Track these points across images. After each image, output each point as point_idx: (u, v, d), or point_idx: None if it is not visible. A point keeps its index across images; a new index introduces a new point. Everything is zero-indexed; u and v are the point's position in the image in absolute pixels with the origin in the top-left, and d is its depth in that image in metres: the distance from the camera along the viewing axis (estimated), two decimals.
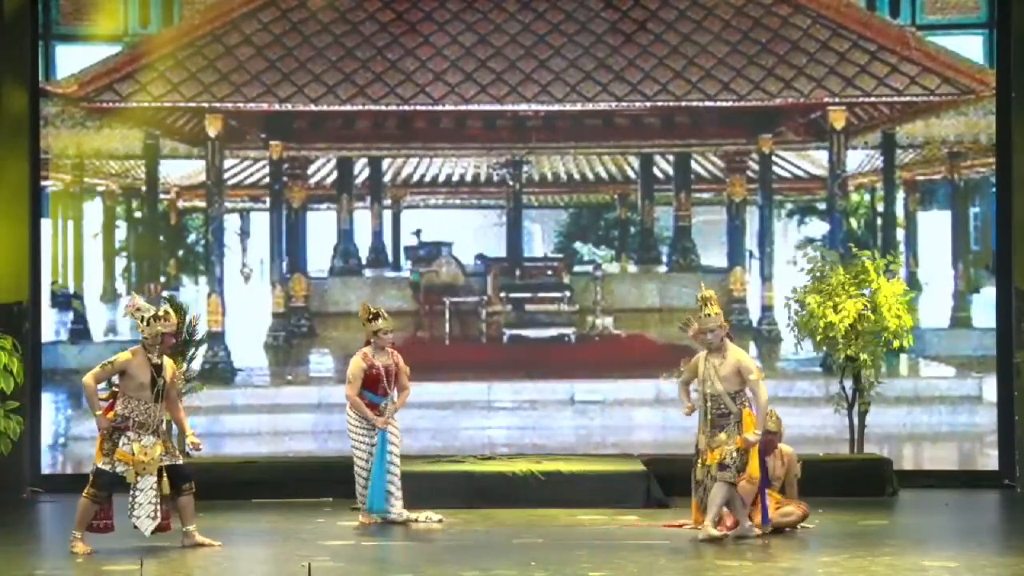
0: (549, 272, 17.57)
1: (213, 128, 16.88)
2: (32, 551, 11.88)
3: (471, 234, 17.77)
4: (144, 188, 17.20)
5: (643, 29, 16.96)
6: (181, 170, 17.28)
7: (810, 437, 16.24)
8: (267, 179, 17.26)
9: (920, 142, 16.95)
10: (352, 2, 17.03)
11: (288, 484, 14.99)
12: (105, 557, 11.11)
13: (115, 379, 11.55)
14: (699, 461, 11.96)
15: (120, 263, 17.31)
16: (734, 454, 11.79)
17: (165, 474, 11.42)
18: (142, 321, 11.52)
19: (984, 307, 16.65)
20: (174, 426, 12.10)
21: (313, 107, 16.84)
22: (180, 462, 11.62)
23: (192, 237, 17.50)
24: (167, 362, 11.64)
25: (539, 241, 18.16)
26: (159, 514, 11.40)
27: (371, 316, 13.03)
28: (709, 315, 11.92)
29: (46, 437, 16.32)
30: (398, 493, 13.04)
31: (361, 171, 17.50)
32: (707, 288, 12.16)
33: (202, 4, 16.97)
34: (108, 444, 11.35)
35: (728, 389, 11.86)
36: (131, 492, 11.37)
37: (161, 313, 11.55)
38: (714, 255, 17.35)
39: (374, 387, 12.98)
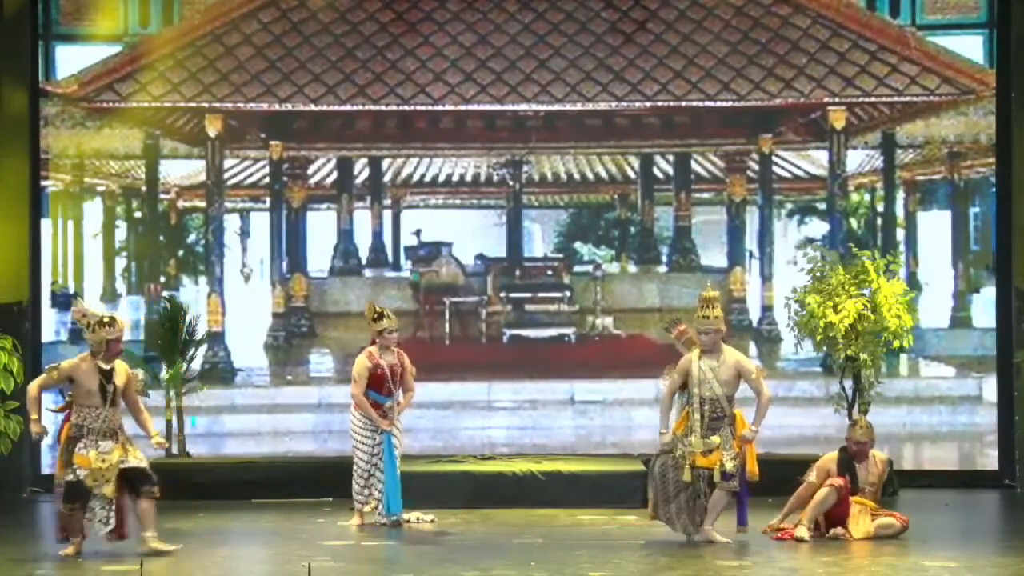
0: (549, 272, 17.57)
1: (213, 128, 16.88)
2: (32, 551, 11.87)
3: (471, 234, 17.76)
4: (144, 188, 17.20)
5: (643, 29, 16.96)
6: (181, 170, 17.29)
7: (810, 437, 16.25)
8: (267, 179, 17.26)
9: (920, 142, 16.95)
10: (352, 2, 17.03)
11: (288, 484, 14.99)
12: (105, 558, 11.11)
13: (67, 388, 11.43)
14: (685, 463, 11.86)
15: (120, 263, 17.31)
16: (734, 461, 11.77)
17: (120, 478, 11.20)
18: (87, 327, 11.38)
19: (984, 307, 16.65)
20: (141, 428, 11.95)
21: (313, 107, 16.85)
22: (143, 465, 11.34)
23: (192, 237, 17.50)
24: (119, 366, 11.43)
25: (539, 241, 18.16)
26: (111, 520, 11.19)
27: (376, 315, 13.03)
28: (706, 317, 11.89)
29: (46, 437, 16.26)
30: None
31: (361, 171, 17.50)
32: (712, 289, 12.13)
33: (202, 4, 16.98)
34: (66, 455, 11.24)
35: (727, 392, 11.84)
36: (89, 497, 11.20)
37: (107, 319, 11.41)
38: (714, 255, 17.35)
39: (379, 387, 12.97)
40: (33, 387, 11.45)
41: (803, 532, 12.05)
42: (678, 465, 11.86)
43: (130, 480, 11.27)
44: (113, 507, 11.20)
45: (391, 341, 13.03)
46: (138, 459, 11.35)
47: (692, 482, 11.81)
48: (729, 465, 11.72)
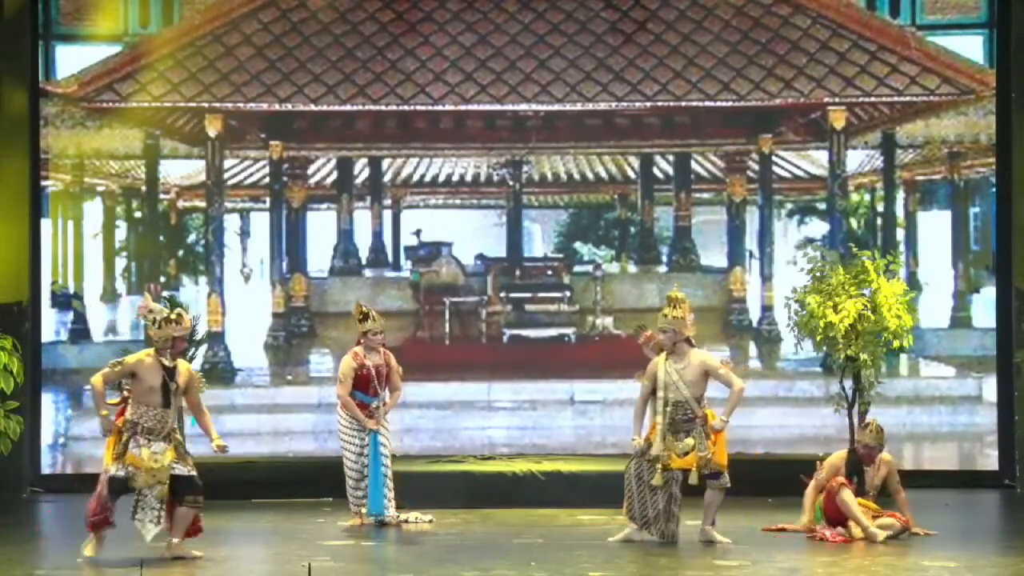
0: (549, 272, 17.56)
1: (213, 128, 16.87)
2: (32, 551, 11.88)
3: (471, 234, 17.76)
4: (144, 188, 17.20)
5: (643, 29, 16.96)
6: (181, 170, 17.28)
7: (810, 437, 16.26)
8: (267, 179, 17.26)
9: (920, 142, 16.95)
10: (352, 2, 17.03)
11: (288, 484, 15.01)
12: (105, 559, 11.08)
13: (125, 383, 11.12)
14: (658, 467, 11.83)
15: (120, 263, 17.31)
16: (718, 460, 11.78)
17: (172, 484, 10.99)
18: (153, 324, 11.12)
19: (984, 307, 16.65)
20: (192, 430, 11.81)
21: (313, 107, 16.84)
22: (193, 473, 11.12)
23: (192, 237, 17.50)
24: (181, 365, 11.17)
25: (539, 241, 18.16)
26: (163, 520, 10.99)
27: (362, 316, 13.07)
28: (666, 316, 11.91)
29: (46, 437, 16.31)
30: (390, 495, 13.05)
31: (361, 171, 17.49)
32: (678, 290, 12.11)
33: (202, 4, 16.97)
34: (119, 447, 10.95)
35: (695, 394, 11.83)
36: (136, 496, 10.97)
37: (174, 316, 11.15)
38: (714, 255, 17.35)
39: (365, 387, 13.00)
40: (97, 381, 11.01)
41: (878, 533, 11.98)
42: (652, 469, 11.86)
43: (176, 486, 11.01)
44: (164, 508, 10.97)
45: (376, 342, 13.05)
46: (189, 467, 11.12)
47: (665, 485, 11.79)
48: (713, 463, 11.73)
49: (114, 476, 10.95)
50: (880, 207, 17.23)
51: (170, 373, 11.07)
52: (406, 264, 17.47)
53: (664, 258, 17.45)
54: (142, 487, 10.97)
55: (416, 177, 17.56)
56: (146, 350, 11.22)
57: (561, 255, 17.78)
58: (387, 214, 17.50)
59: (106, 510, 11.02)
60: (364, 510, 13.04)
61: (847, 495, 12.13)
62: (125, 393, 11.18)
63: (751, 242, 17.15)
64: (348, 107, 16.92)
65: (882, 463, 12.51)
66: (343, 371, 13.05)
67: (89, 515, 11.09)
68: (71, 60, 16.70)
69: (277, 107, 16.85)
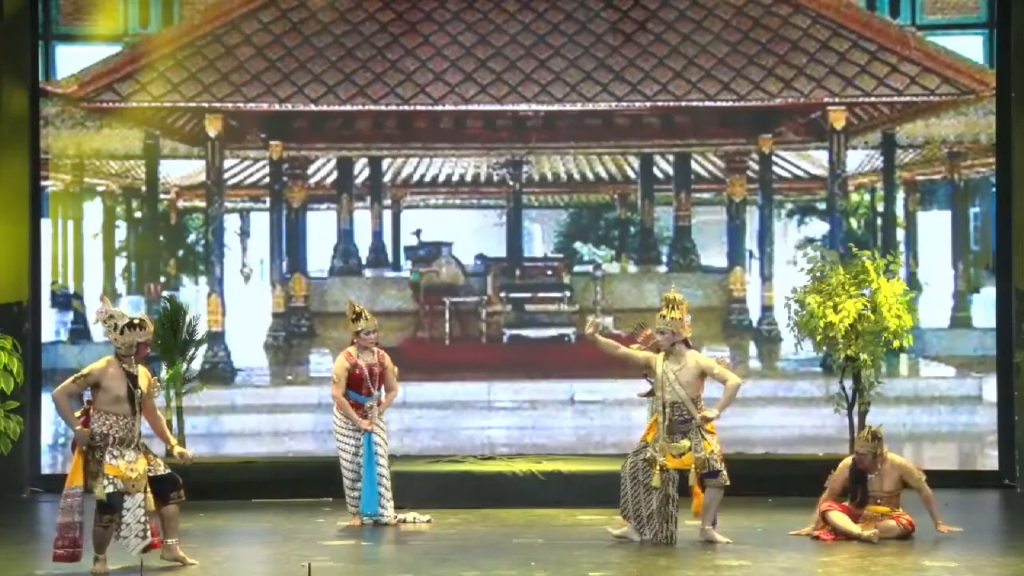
0: (549, 272, 17.56)
1: (213, 128, 16.88)
2: (32, 551, 11.86)
3: (471, 234, 17.76)
4: (144, 188, 17.20)
5: (643, 29, 16.96)
6: (181, 170, 17.28)
7: (810, 437, 16.26)
8: (267, 179, 17.26)
9: (920, 142, 16.95)
10: (352, 2, 17.03)
11: (288, 484, 15.00)
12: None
13: (87, 394, 10.72)
14: (655, 468, 11.82)
15: (120, 263, 17.31)
16: (715, 458, 11.78)
17: (150, 488, 10.68)
18: (114, 329, 10.71)
19: (984, 307, 16.65)
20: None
21: (313, 107, 16.85)
22: (167, 472, 10.81)
23: (192, 237, 17.50)
24: (141, 370, 10.81)
25: (539, 241, 18.16)
26: (148, 533, 10.65)
27: (355, 316, 13.05)
28: (663, 316, 11.92)
29: (46, 437, 16.31)
30: (388, 495, 13.04)
31: (361, 171, 17.50)
32: (675, 291, 12.11)
33: (202, 4, 16.98)
34: (93, 465, 10.54)
35: (691, 395, 11.81)
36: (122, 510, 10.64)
37: (136, 320, 10.78)
38: (714, 255, 17.35)
39: (358, 387, 12.98)
40: (60, 397, 10.65)
41: (870, 533, 11.99)
42: (648, 470, 11.85)
43: (157, 487, 10.74)
44: (148, 519, 10.64)
45: (368, 342, 13.02)
46: (160, 467, 10.81)
47: (661, 486, 11.79)
48: (712, 462, 11.72)
49: (109, 495, 10.52)
50: (880, 207, 17.23)
51: (133, 380, 10.71)
52: (406, 264, 17.47)
53: (664, 258, 17.45)
54: (129, 495, 10.62)
55: (416, 177, 17.56)
56: (106, 358, 10.78)
57: (561, 255, 17.78)
58: (387, 214, 17.50)
59: (76, 544, 10.58)
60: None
61: (835, 516, 12.13)
62: (86, 406, 10.78)
63: (751, 242, 17.15)
64: (348, 107, 16.92)
65: (892, 467, 12.41)
66: (336, 371, 13.04)
67: (57, 546, 10.60)
68: (71, 60, 16.71)
69: (277, 107, 16.85)
